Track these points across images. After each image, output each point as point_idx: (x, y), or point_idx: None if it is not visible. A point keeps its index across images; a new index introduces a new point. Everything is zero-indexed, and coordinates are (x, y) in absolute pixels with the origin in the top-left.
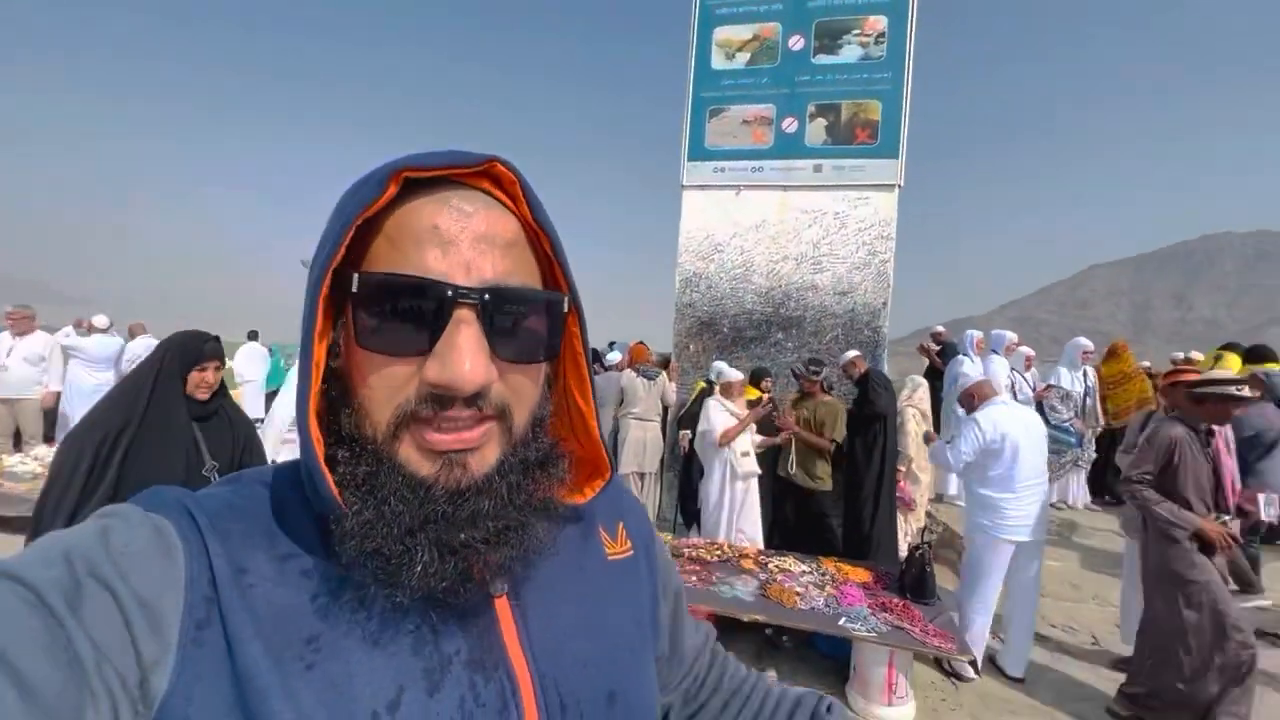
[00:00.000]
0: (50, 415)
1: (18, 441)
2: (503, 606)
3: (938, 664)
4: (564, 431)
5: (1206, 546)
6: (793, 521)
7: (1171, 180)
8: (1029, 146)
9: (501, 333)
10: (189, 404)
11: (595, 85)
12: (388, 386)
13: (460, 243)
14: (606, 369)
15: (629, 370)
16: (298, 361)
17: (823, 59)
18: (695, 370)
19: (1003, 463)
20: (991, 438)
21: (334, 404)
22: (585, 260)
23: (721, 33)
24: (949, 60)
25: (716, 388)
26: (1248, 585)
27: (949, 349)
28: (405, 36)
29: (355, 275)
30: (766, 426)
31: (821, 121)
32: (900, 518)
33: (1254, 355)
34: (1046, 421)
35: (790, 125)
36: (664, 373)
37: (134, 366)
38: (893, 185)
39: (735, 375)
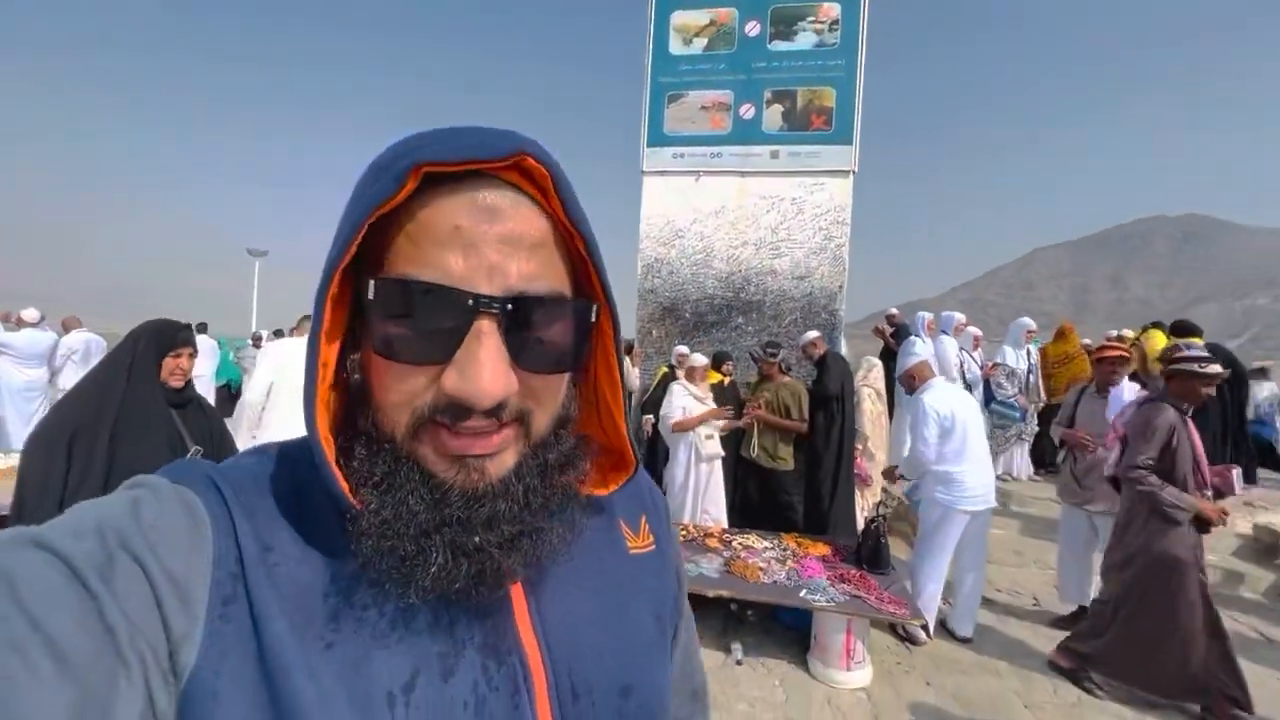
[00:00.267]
0: None
1: None
2: (518, 594)
3: (892, 629)
4: (590, 422)
5: (1202, 525)
6: (756, 500)
7: (1108, 166)
8: (977, 132)
9: (524, 342)
10: (165, 392)
11: (553, 64)
12: (405, 392)
13: (483, 245)
14: None
15: None
16: (304, 360)
17: (779, 45)
18: (658, 355)
19: (956, 437)
20: (943, 415)
21: (353, 400)
22: None
23: (679, 17)
24: (900, 45)
25: (680, 372)
26: None
27: (902, 330)
28: (352, 11)
29: (372, 282)
30: (733, 412)
31: (778, 108)
32: (858, 493)
33: (1179, 330)
34: (992, 398)
35: (748, 111)
36: (627, 359)
37: (102, 358)
38: (847, 171)
39: (700, 360)
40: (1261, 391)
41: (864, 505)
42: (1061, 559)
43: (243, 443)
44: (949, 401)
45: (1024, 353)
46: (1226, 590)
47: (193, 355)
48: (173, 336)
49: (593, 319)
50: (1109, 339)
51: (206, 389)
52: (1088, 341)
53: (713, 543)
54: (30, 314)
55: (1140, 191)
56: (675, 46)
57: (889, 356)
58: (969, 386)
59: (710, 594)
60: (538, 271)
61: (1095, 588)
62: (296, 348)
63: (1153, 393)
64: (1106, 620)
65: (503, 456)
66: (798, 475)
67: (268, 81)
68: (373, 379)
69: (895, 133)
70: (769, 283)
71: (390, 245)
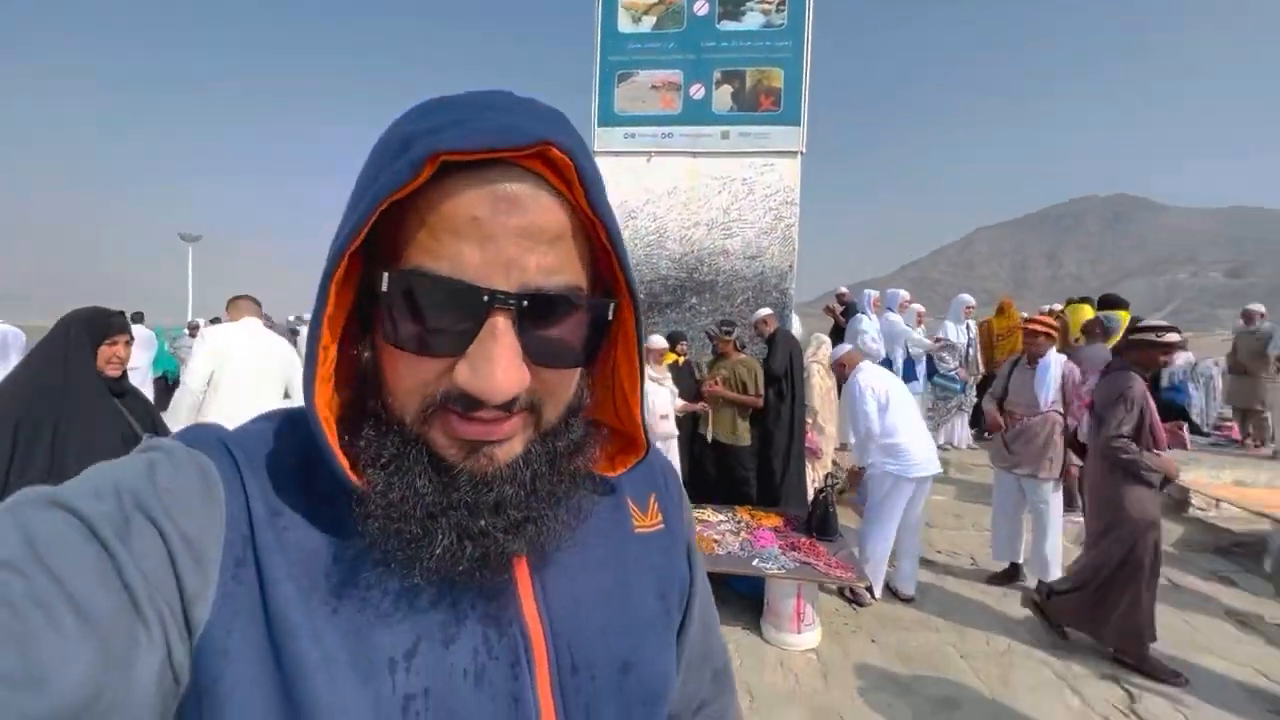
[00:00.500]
0: None
1: None
2: (522, 569)
3: (840, 593)
4: (605, 407)
5: (1164, 482)
6: (713, 476)
7: (1045, 148)
8: (921, 116)
9: (539, 338)
10: (105, 381)
11: (501, 34)
12: (416, 380)
13: (501, 238)
14: None
15: None
16: (305, 343)
17: (727, 25)
18: None
19: (893, 410)
20: (878, 391)
21: (361, 382)
22: None
23: None
24: (846, 27)
25: None
26: (1071, 502)
27: (851, 308)
28: None
29: (385, 275)
30: (689, 392)
31: (728, 88)
32: (808, 465)
33: (1106, 303)
34: (935, 371)
35: (698, 91)
36: None
37: (32, 349)
38: (795, 152)
39: (659, 343)
40: (1177, 360)
41: (814, 477)
42: (994, 520)
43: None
44: (880, 379)
45: (964, 327)
46: None
47: (129, 342)
48: (107, 323)
49: (610, 316)
50: (1041, 313)
51: (143, 381)
52: (1025, 314)
53: None
54: None
55: (1075, 172)
56: (624, 24)
57: (840, 334)
58: (913, 361)
59: None
60: (557, 265)
61: (1025, 545)
62: (234, 333)
63: (1086, 364)
64: (1090, 580)
65: (511, 443)
66: (754, 451)
67: (203, 59)
68: (383, 364)
69: (843, 115)
70: (721, 263)
71: (404, 232)
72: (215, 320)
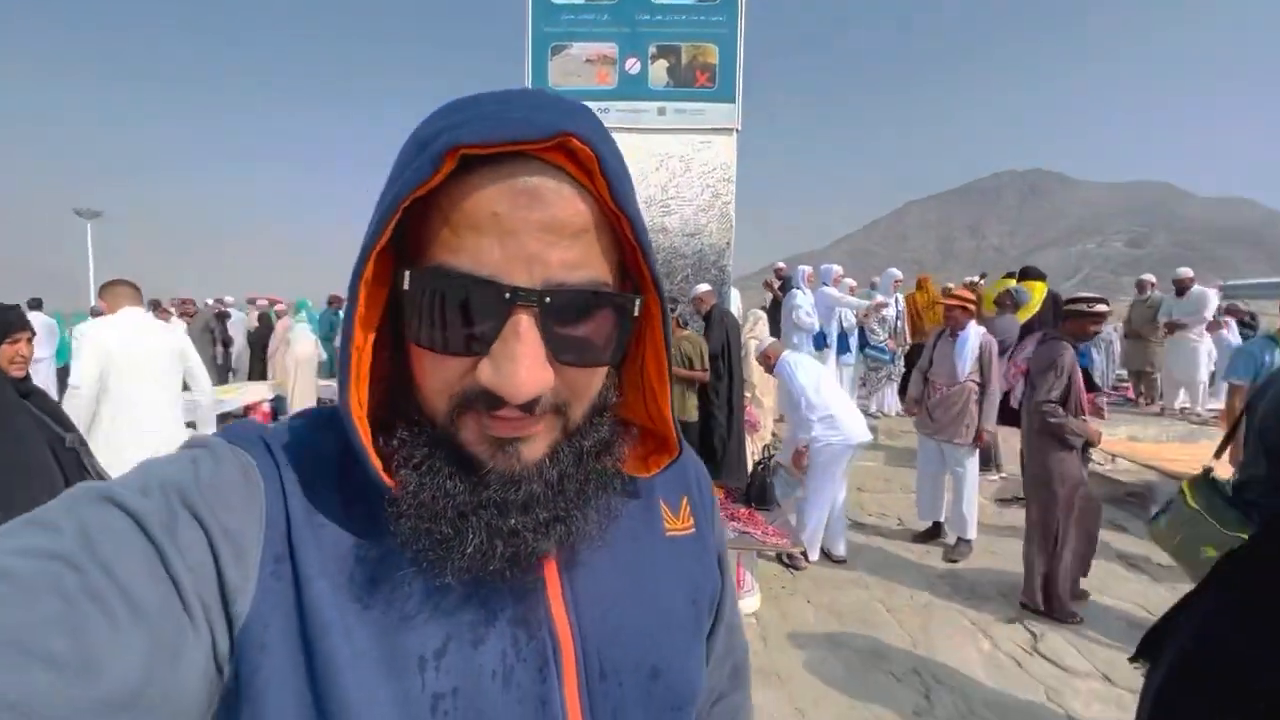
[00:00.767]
0: None
1: None
2: (551, 571)
3: (778, 558)
4: (636, 406)
5: (1086, 446)
6: None
7: (968, 124)
8: (853, 91)
9: (563, 336)
10: (12, 382)
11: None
12: (443, 379)
13: (522, 233)
14: None
15: None
16: (339, 345)
17: None
18: None
19: (824, 387)
20: (807, 369)
21: (394, 382)
22: None
23: None
24: (779, 4)
25: None
26: (987, 463)
27: (788, 283)
28: None
29: (407, 273)
30: None
31: (663, 63)
32: (747, 438)
33: (1026, 275)
34: (866, 342)
35: (633, 66)
36: None
37: None
38: (731, 129)
39: None
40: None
41: (753, 449)
42: (918, 482)
43: (86, 420)
44: (805, 360)
45: (893, 300)
46: None
47: (31, 339)
48: (5, 321)
49: (635, 312)
50: (966, 284)
51: (48, 373)
52: (950, 285)
53: None
54: None
55: (994, 147)
56: None
57: (777, 308)
58: (846, 334)
59: None
60: (580, 260)
61: (946, 505)
62: (115, 327)
63: (997, 334)
64: (1035, 544)
65: (538, 443)
66: (696, 427)
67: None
68: (413, 364)
69: (778, 91)
70: (660, 240)
71: (428, 231)
72: (96, 311)
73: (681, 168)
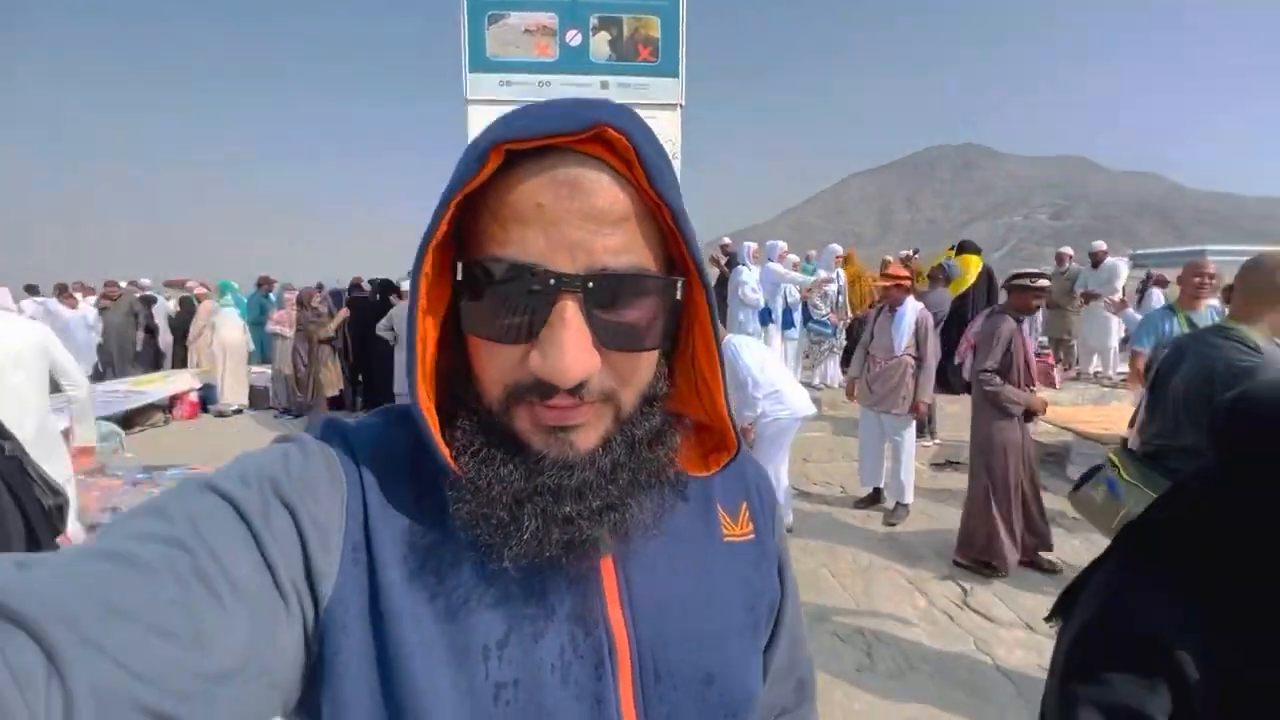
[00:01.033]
0: None
1: None
2: (608, 570)
3: None
4: (690, 400)
5: (1029, 415)
6: None
7: (905, 99)
8: (793, 63)
9: (608, 321)
10: None
11: None
12: (497, 368)
13: (565, 223)
14: (401, 298)
15: None
16: (405, 337)
17: None
18: None
19: (769, 368)
20: (750, 347)
21: (457, 373)
22: (364, 172)
23: None
24: None
25: None
26: (922, 429)
27: (734, 259)
28: None
29: (459, 264)
30: None
31: (605, 35)
32: None
33: (964, 249)
34: (809, 316)
35: (574, 38)
36: None
37: None
38: (676, 105)
39: None
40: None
41: None
42: (860, 451)
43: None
44: (749, 342)
45: (834, 275)
46: None
47: None
48: None
49: (678, 294)
50: (900, 259)
51: None
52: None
53: None
54: None
55: (929, 121)
56: None
57: (723, 284)
58: (791, 309)
59: None
60: (622, 246)
61: (886, 472)
62: None
63: (931, 307)
64: (975, 505)
65: (589, 431)
66: None
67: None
68: (471, 354)
69: (721, 66)
70: None
71: (479, 227)
72: None
73: None
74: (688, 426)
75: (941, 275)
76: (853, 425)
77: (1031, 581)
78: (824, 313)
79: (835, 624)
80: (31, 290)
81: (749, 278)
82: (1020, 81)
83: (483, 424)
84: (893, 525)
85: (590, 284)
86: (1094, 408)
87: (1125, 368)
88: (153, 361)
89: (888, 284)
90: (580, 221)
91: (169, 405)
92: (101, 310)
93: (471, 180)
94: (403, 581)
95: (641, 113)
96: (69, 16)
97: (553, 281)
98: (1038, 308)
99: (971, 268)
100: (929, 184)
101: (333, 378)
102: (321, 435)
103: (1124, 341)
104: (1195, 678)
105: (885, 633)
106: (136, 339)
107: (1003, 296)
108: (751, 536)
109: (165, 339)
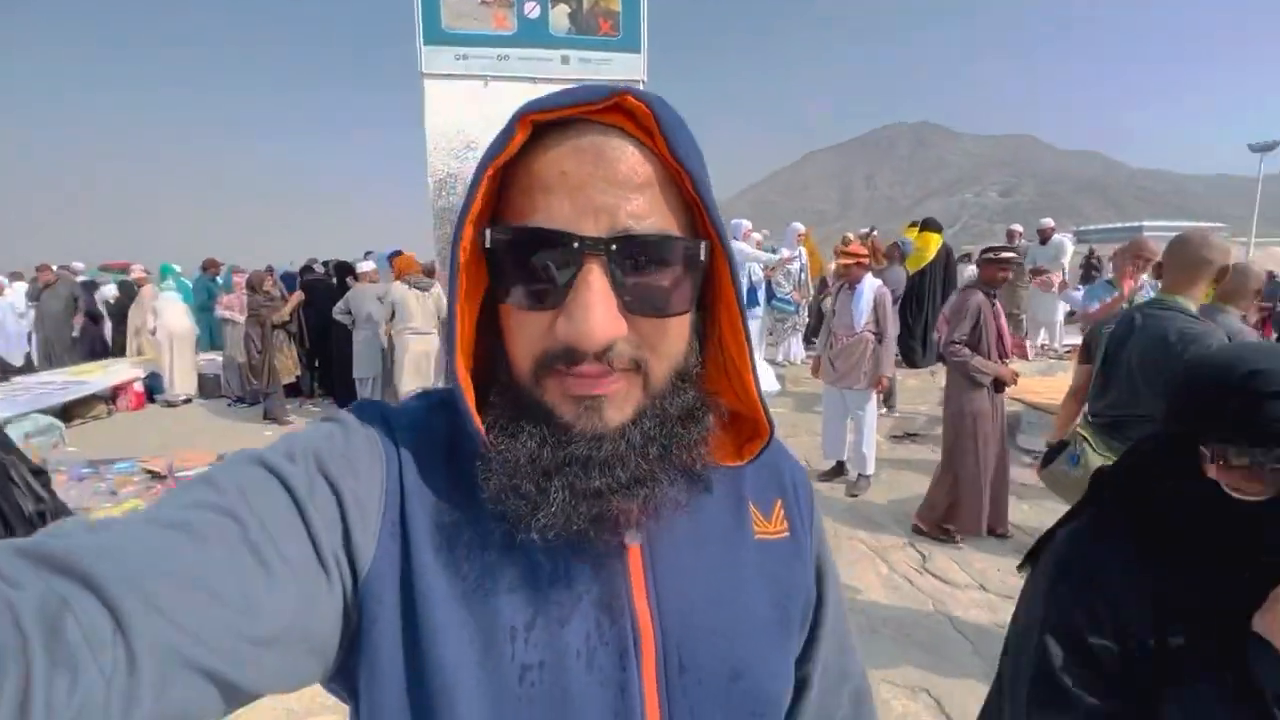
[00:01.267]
0: None
1: None
2: (635, 556)
3: None
4: (721, 384)
5: (998, 385)
6: None
7: (862, 77)
8: (753, 39)
9: (633, 285)
10: None
11: None
12: (527, 337)
13: (589, 187)
14: (358, 280)
15: (399, 283)
16: (447, 310)
17: None
18: None
19: None
20: None
21: (492, 348)
22: (324, 152)
23: None
24: None
25: None
26: (888, 399)
27: None
28: None
29: (487, 231)
30: None
31: (564, 8)
32: None
33: (925, 226)
34: (773, 295)
35: (532, 10)
36: (436, 283)
37: None
38: (638, 81)
39: None
40: (966, 271)
41: None
42: (824, 425)
43: None
44: None
45: (797, 253)
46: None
47: None
48: None
49: (702, 257)
50: (859, 237)
51: None
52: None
53: None
54: None
55: (887, 99)
56: None
57: None
58: (755, 288)
59: None
60: (645, 210)
61: (848, 445)
62: None
63: (888, 284)
64: (942, 474)
65: (620, 402)
66: None
67: None
68: (503, 325)
69: (679, 40)
70: None
71: (511, 198)
72: None
73: None
74: (722, 412)
75: (898, 253)
76: (815, 401)
77: (986, 545)
78: (787, 290)
79: None
80: None
81: None
82: (969, 58)
83: (514, 398)
84: (855, 496)
85: (614, 246)
86: (1041, 379)
87: (1072, 339)
88: (94, 350)
89: (848, 261)
90: (604, 186)
91: (112, 396)
92: (36, 297)
93: (501, 153)
94: (434, 561)
95: None
96: None
97: (576, 245)
98: (1004, 280)
99: (931, 245)
100: (887, 162)
101: (289, 364)
102: (362, 416)
103: (1069, 315)
104: (1134, 607)
105: (850, 599)
106: (74, 325)
107: (966, 273)
108: (786, 535)
109: (108, 326)
